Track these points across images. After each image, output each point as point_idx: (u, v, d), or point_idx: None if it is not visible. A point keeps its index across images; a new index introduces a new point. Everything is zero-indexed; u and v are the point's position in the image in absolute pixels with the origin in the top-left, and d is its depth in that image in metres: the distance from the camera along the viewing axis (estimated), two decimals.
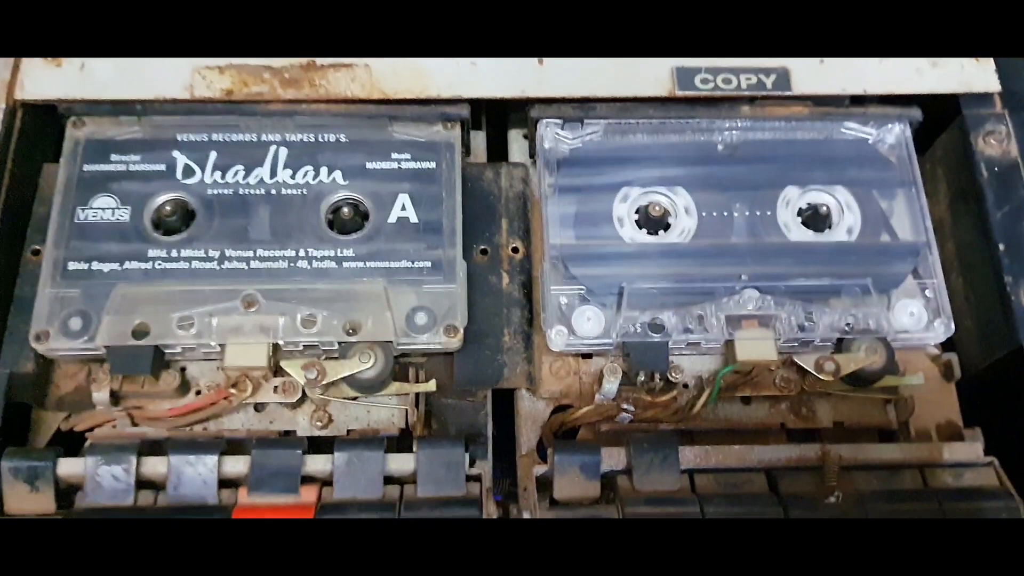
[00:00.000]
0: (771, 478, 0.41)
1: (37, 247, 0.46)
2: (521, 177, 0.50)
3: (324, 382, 0.42)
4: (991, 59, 0.50)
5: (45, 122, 0.48)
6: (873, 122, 0.49)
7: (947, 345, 0.47)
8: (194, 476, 0.39)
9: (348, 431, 0.44)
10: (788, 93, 0.49)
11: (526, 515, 0.40)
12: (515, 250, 0.47)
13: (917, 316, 0.45)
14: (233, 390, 0.42)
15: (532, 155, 0.50)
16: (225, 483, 0.40)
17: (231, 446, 0.41)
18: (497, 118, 0.53)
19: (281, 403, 0.44)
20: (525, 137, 0.52)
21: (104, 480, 0.39)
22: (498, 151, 0.53)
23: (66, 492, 0.40)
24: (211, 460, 0.40)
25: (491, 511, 0.40)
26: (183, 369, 0.44)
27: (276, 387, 0.43)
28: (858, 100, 0.50)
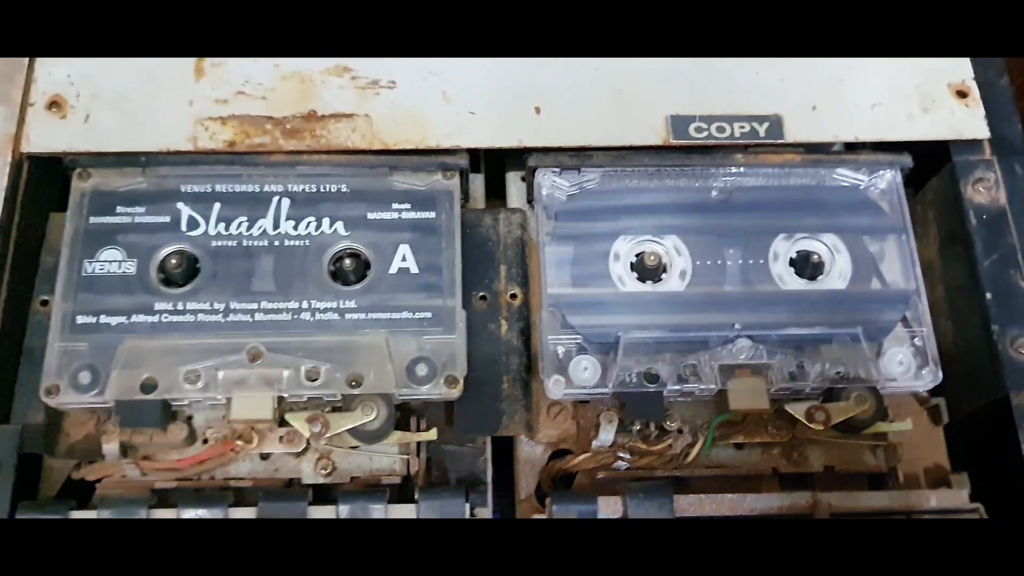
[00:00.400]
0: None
1: (45, 298, 0.47)
2: (519, 223, 0.50)
3: (328, 435, 0.43)
4: (980, 106, 0.51)
5: (50, 173, 0.49)
6: (865, 169, 0.50)
7: (936, 389, 0.48)
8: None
9: (351, 478, 0.45)
10: (781, 141, 0.50)
11: None
12: (513, 296, 0.48)
13: (906, 365, 0.46)
14: (239, 442, 0.43)
15: (530, 200, 0.51)
16: None
17: (238, 495, 0.43)
18: (495, 160, 0.54)
19: (286, 452, 0.45)
20: (523, 179, 0.52)
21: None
22: (496, 191, 0.54)
23: None
24: (220, 512, 0.41)
25: None
26: (190, 418, 0.45)
27: (281, 437, 0.44)
28: (850, 147, 0.51)
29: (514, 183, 0.53)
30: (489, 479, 0.45)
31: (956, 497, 0.44)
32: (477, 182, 0.53)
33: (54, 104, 0.49)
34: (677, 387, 0.45)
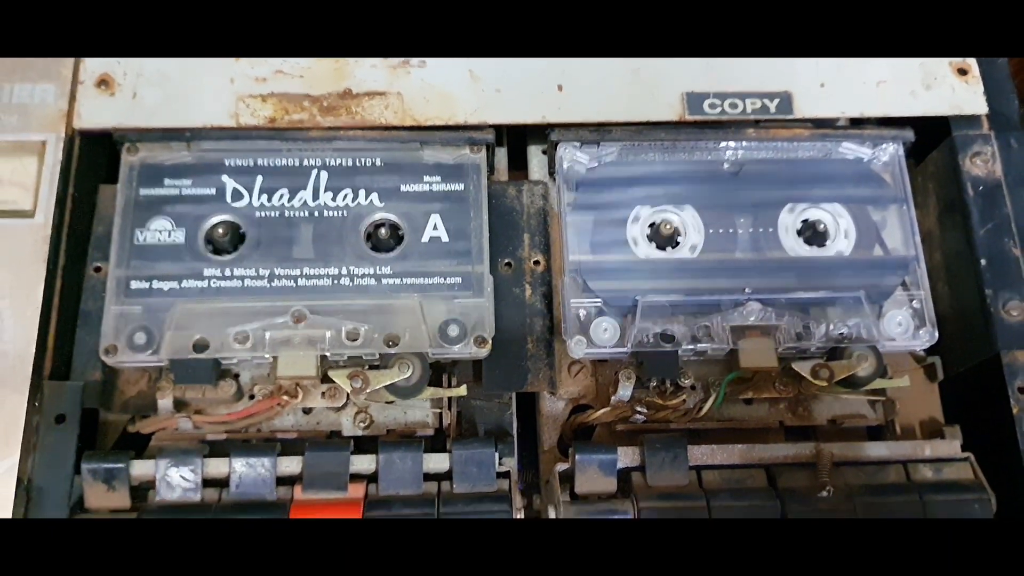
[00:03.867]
0: (770, 474, 0.46)
1: (98, 264, 0.50)
2: (541, 194, 0.53)
3: (368, 390, 0.46)
4: (980, 83, 0.54)
5: (100, 148, 0.52)
6: (869, 142, 0.53)
7: (932, 348, 0.51)
8: (254, 476, 0.44)
9: (388, 431, 0.49)
10: (790, 116, 0.53)
11: (550, 509, 0.45)
12: (536, 263, 0.52)
13: (905, 326, 0.49)
14: (285, 397, 0.47)
15: (551, 172, 0.54)
16: (281, 480, 0.45)
17: (284, 446, 0.46)
18: (518, 135, 0.57)
19: (327, 407, 0.48)
20: (544, 152, 0.55)
21: (173, 480, 0.44)
22: (518, 164, 0.57)
23: (138, 490, 0.45)
24: (269, 461, 0.44)
25: (518, 503, 0.45)
26: (236, 376, 0.49)
27: (323, 393, 0.48)
28: (855, 122, 0.54)
29: (535, 156, 0.56)
30: (515, 432, 0.49)
31: (949, 447, 0.47)
32: (501, 156, 0.56)
33: (103, 82, 0.51)
34: (691, 347, 0.48)
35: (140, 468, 0.44)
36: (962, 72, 0.54)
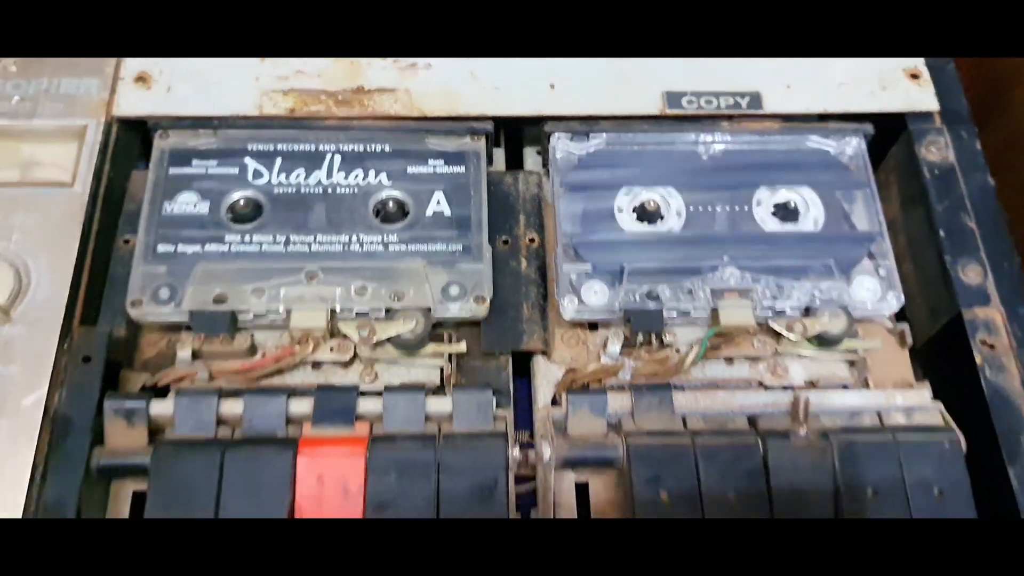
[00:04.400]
0: (751, 419, 0.49)
1: (128, 237, 0.54)
2: (536, 182, 0.58)
3: (374, 340, 0.49)
4: (931, 85, 0.60)
5: (135, 134, 0.57)
6: (833, 136, 0.58)
7: (901, 318, 0.55)
8: (266, 413, 0.47)
9: None
10: (760, 112, 0.58)
11: (543, 446, 0.47)
12: (532, 240, 0.56)
13: (873, 290, 0.53)
14: (297, 347, 0.50)
15: (545, 165, 0.59)
16: (291, 421, 0.47)
17: (295, 393, 0.49)
18: (514, 137, 0.62)
19: (335, 362, 0.51)
20: (539, 153, 0.61)
21: (189, 417, 0.47)
22: (514, 165, 0.62)
23: (156, 431, 0.48)
24: (280, 400, 0.47)
25: (515, 454, 0.47)
26: (252, 335, 0.52)
27: (332, 347, 0.51)
28: (820, 118, 0.60)
29: (531, 156, 0.62)
30: (511, 389, 0.52)
31: (919, 396, 0.50)
32: (499, 156, 0.61)
33: (141, 79, 0.57)
34: (675, 304, 0.51)
35: (159, 407, 0.47)
36: (914, 76, 0.60)
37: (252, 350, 0.51)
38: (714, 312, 0.52)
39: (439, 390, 0.51)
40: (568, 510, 0.48)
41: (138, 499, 0.47)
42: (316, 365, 0.52)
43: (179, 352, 0.50)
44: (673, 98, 0.59)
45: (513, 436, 0.48)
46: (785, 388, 0.53)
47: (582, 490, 0.50)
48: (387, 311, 0.51)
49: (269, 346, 0.52)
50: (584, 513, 0.48)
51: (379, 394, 0.48)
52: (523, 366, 0.54)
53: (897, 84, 0.60)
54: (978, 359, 0.50)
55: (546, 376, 0.53)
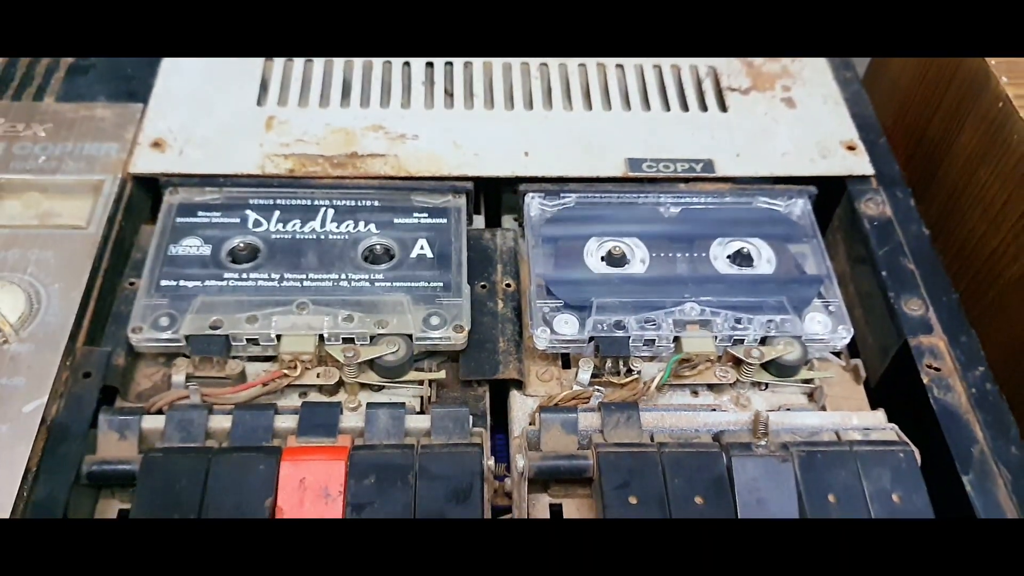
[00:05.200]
0: (715, 436, 0.52)
1: (132, 280, 0.58)
2: (512, 238, 0.64)
3: (358, 361, 0.53)
4: (866, 155, 0.67)
5: (147, 192, 0.63)
6: (781, 196, 0.65)
7: (854, 354, 0.58)
8: (253, 426, 0.49)
9: None
10: (713, 175, 0.65)
11: (518, 459, 0.50)
12: (508, 285, 0.60)
13: (824, 324, 0.57)
14: (287, 371, 0.53)
15: (521, 225, 0.65)
16: (276, 435, 0.50)
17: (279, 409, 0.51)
18: (492, 203, 0.68)
19: (321, 388, 0.54)
20: (515, 219, 0.66)
21: (179, 429, 0.49)
22: (493, 226, 0.67)
23: (146, 447, 0.50)
24: (267, 415, 0.50)
25: (491, 464, 0.49)
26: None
27: (318, 373, 0.54)
28: (768, 181, 0.66)
29: (507, 222, 0.67)
30: (487, 415, 0.54)
31: (875, 418, 0.53)
32: (479, 220, 0.67)
33: (156, 144, 0.64)
34: (640, 333, 0.55)
35: (150, 422, 0.50)
36: (851, 148, 0.67)
37: (242, 378, 0.54)
38: (677, 340, 0.56)
39: (419, 414, 0.54)
40: None
41: (124, 516, 0.49)
42: (303, 393, 0.55)
43: (174, 376, 0.53)
44: (635, 163, 0.65)
45: (488, 450, 0.50)
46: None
47: (556, 512, 0.51)
48: (371, 338, 0.54)
49: (262, 371, 0.55)
50: None
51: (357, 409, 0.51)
52: (499, 405, 0.57)
53: (835, 153, 0.67)
54: (925, 380, 0.54)
55: (522, 408, 0.56)
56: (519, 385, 0.56)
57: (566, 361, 0.58)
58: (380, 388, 0.55)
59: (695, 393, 0.56)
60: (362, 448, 0.49)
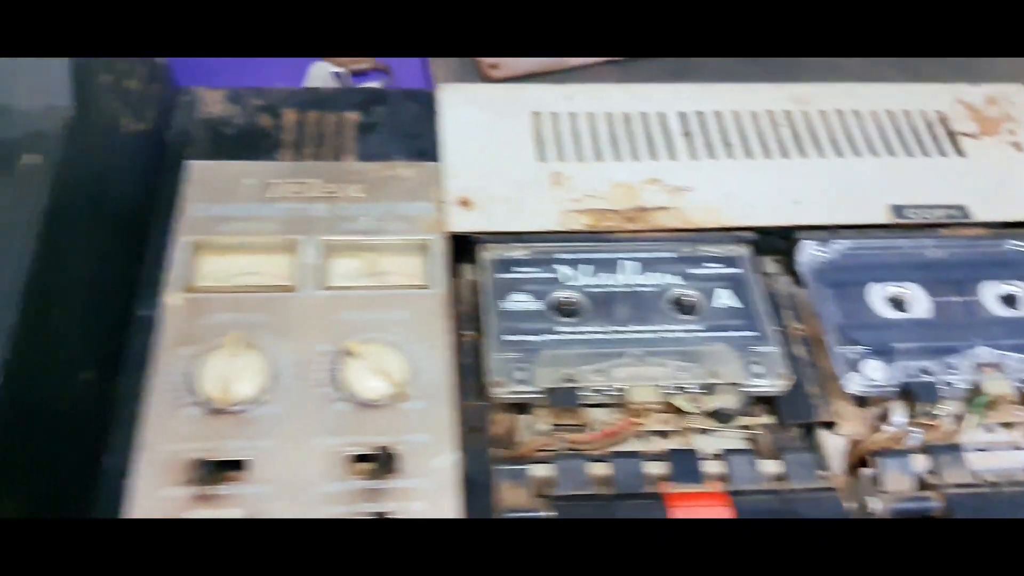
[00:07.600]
0: None
1: (463, 332, 0.64)
2: (787, 283, 0.69)
3: (701, 410, 0.59)
4: None
5: (461, 247, 0.68)
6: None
7: None
8: (628, 470, 0.56)
9: None
10: (969, 220, 0.70)
11: (871, 501, 0.56)
12: (797, 328, 0.66)
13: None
14: (636, 419, 0.59)
15: (787, 270, 0.70)
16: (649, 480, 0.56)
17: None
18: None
19: (659, 431, 0.60)
20: (775, 261, 0.72)
21: (568, 478, 0.55)
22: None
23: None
24: (636, 461, 0.56)
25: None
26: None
27: (664, 420, 0.60)
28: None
29: (768, 265, 0.73)
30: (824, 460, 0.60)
31: None
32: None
33: (464, 203, 0.69)
34: (943, 376, 0.61)
35: (540, 470, 0.56)
36: None
37: (590, 427, 0.60)
38: (974, 384, 0.61)
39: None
40: None
41: None
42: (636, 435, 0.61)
43: (536, 425, 0.59)
44: (898, 210, 0.71)
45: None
46: None
47: None
48: (704, 387, 0.60)
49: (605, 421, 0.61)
50: None
51: (716, 457, 0.57)
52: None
53: None
54: None
55: (836, 447, 0.62)
56: (828, 425, 0.62)
57: (862, 399, 0.64)
58: (703, 431, 0.61)
59: (990, 429, 0.62)
60: (738, 494, 0.55)
